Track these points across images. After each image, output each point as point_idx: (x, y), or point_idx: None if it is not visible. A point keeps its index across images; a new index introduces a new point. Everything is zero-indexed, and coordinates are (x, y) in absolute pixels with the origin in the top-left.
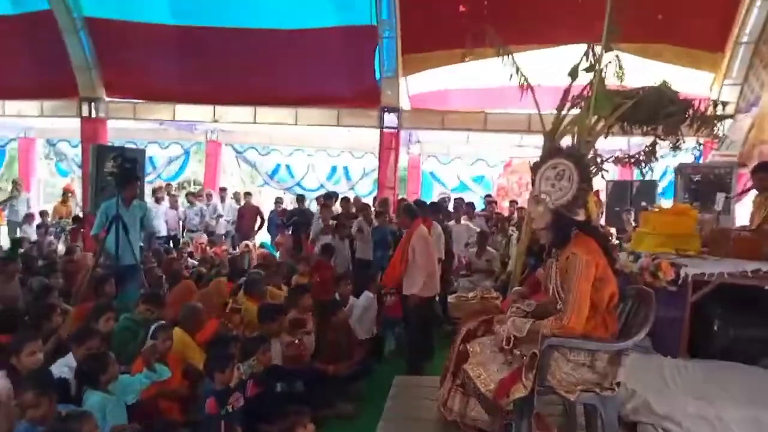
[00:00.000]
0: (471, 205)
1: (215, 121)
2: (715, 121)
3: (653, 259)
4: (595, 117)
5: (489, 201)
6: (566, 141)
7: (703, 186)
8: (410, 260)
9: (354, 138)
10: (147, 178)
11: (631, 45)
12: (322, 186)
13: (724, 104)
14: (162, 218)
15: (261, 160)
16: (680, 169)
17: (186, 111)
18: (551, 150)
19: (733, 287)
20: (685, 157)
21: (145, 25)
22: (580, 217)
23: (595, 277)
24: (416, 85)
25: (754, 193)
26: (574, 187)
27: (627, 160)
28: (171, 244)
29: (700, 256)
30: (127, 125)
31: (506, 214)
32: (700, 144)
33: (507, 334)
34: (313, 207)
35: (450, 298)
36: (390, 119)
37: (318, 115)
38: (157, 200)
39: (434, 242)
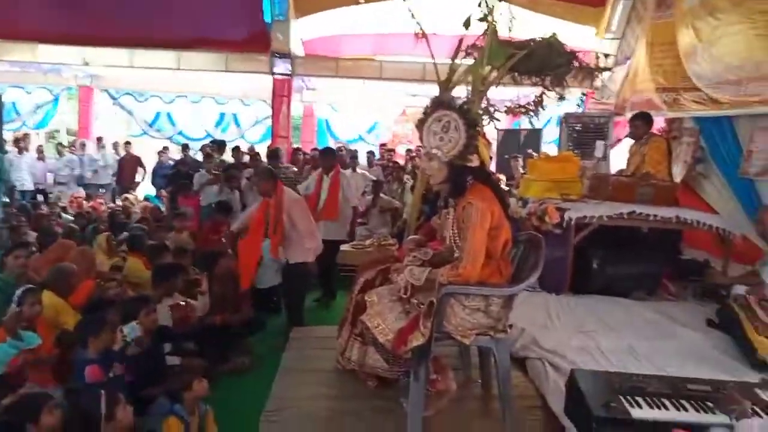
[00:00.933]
0: (372, 153)
1: (85, 64)
2: (597, 73)
3: (540, 204)
4: (489, 67)
5: (387, 149)
6: (460, 91)
7: (585, 134)
8: (288, 229)
9: (244, 84)
10: (10, 126)
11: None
12: (208, 135)
13: (607, 56)
14: (26, 170)
15: (138, 107)
16: (565, 119)
17: (50, 52)
18: (432, 104)
19: (609, 228)
20: (568, 106)
21: None
22: (475, 162)
23: (491, 225)
24: (309, 30)
25: (629, 141)
26: (462, 136)
27: (518, 109)
28: (42, 199)
29: (582, 200)
30: None
31: (403, 161)
32: (583, 94)
33: (405, 283)
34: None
35: (345, 247)
36: (282, 65)
37: (203, 59)
38: (20, 150)
39: (345, 189)
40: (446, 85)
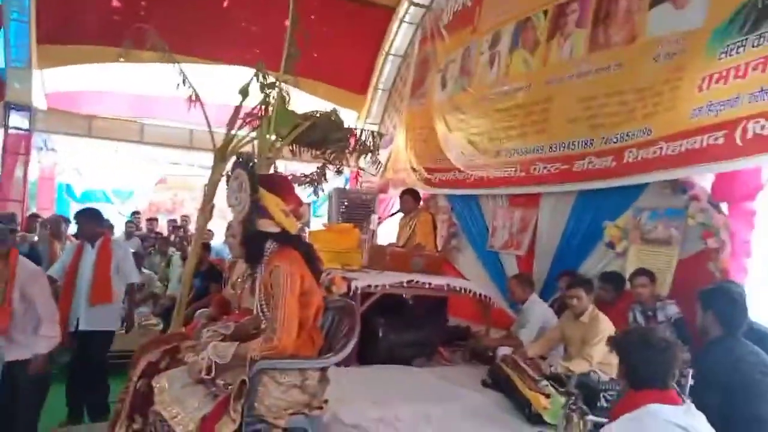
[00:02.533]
0: (131, 223)
1: None
2: (370, 152)
3: (327, 274)
4: (275, 135)
5: (148, 219)
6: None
7: (352, 208)
8: (19, 310)
9: None
10: None
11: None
12: None
13: (381, 135)
14: None
15: None
16: (334, 193)
17: None
18: (235, 162)
19: (383, 299)
20: (334, 183)
21: None
22: (271, 228)
23: (301, 291)
24: (57, 82)
25: (398, 215)
26: (247, 198)
27: (304, 180)
28: None
29: (362, 270)
30: None
31: (165, 233)
32: (355, 171)
33: (208, 362)
34: None
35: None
36: (18, 119)
37: None
38: None
39: (120, 262)
40: (223, 153)
